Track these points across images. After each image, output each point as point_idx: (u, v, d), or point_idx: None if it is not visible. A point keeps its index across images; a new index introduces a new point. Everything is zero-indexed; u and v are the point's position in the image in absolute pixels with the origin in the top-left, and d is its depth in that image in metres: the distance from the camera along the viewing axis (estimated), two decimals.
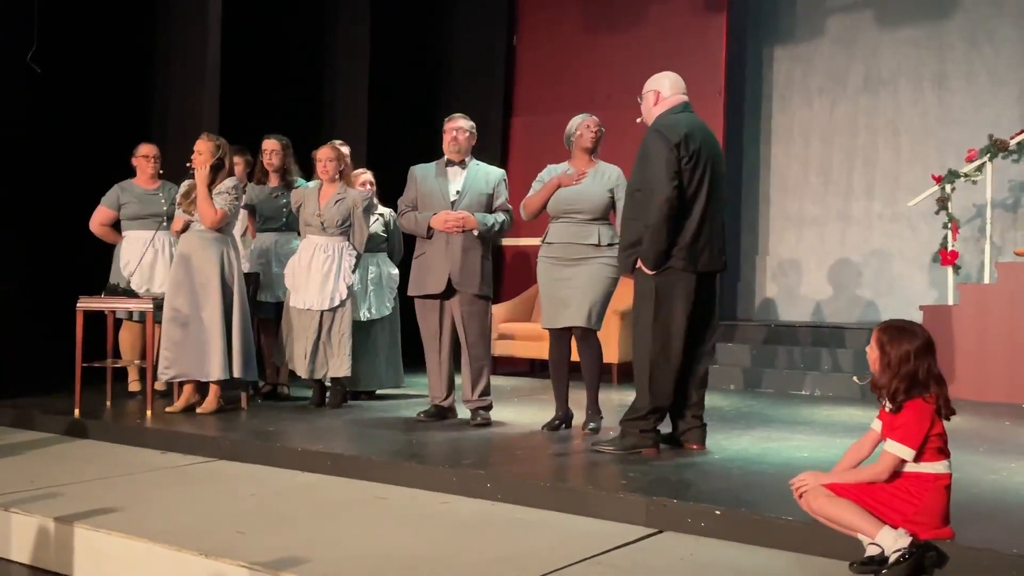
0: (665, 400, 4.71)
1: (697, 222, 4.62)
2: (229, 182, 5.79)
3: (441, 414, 5.71)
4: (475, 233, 5.60)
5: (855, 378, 7.17)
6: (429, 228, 5.58)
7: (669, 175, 4.53)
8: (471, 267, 5.58)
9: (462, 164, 5.71)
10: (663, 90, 4.83)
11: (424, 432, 5.35)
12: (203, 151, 5.75)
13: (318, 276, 6.01)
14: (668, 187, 4.53)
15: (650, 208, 4.57)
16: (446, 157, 5.72)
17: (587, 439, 5.13)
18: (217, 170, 5.77)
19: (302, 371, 6.10)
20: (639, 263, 4.67)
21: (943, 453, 3.24)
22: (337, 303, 6.04)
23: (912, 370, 3.19)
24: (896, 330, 3.27)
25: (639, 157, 4.72)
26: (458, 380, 5.80)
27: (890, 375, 3.22)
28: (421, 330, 5.73)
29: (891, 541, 3.09)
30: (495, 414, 5.72)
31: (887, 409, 3.29)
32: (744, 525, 3.54)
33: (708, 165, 4.66)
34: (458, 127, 5.70)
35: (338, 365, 6.06)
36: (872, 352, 3.31)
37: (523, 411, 5.91)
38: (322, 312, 6.02)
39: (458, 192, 5.64)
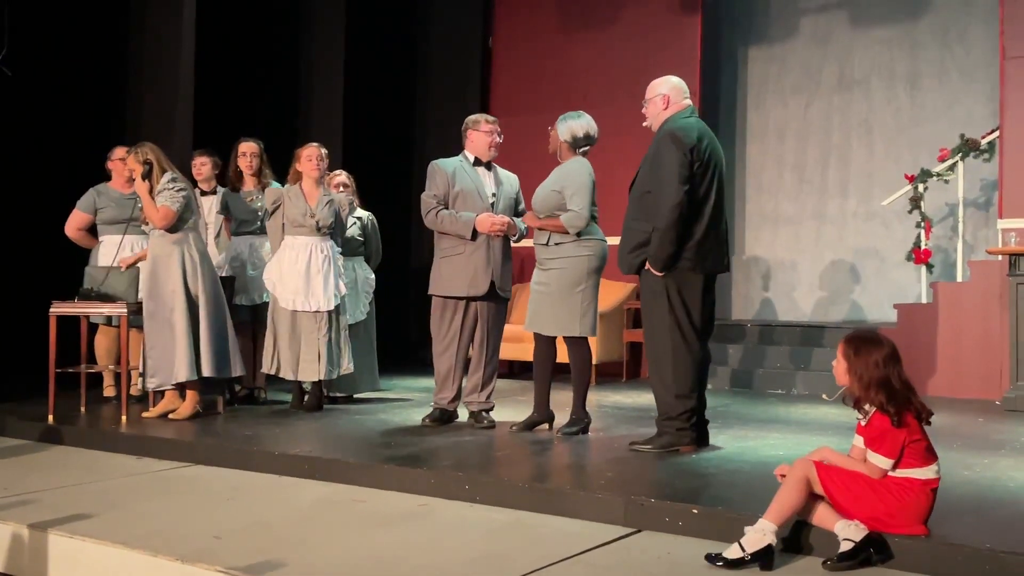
0: (691, 396, 4.77)
1: (706, 225, 4.73)
2: (165, 177, 5.71)
3: (446, 418, 5.66)
4: (513, 239, 5.66)
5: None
6: (475, 230, 5.50)
7: (681, 180, 4.63)
8: (508, 271, 5.66)
9: (487, 166, 5.69)
10: (672, 94, 4.89)
11: (400, 435, 5.34)
12: (132, 165, 5.79)
13: (319, 277, 6.00)
14: (679, 192, 4.62)
15: (660, 211, 4.64)
16: (473, 156, 5.64)
17: (571, 439, 5.16)
18: (149, 174, 5.73)
19: (313, 375, 6.03)
20: (647, 265, 4.74)
21: (931, 457, 3.29)
22: (339, 301, 6.07)
23: (883, 377, 3.24)
24: (861, 340, 3.33)
25: (650, 160, 4.78)
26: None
27: (863, 385, 3.26)
28: (436, 329, 5.62)
29: (842, 531, 3.19)
30: None
31: (861, 421, 3.34)
32: (721, 523, 3.55)
33: (716, 169, 4.79)
34: (499, 129, 5.67)
35: (346, 362, 6.13)
36: (839, 365, 3.35)
37: (502, 413, 5.90)
38: (329, 313, 6.03)
39: (494, 194, 5.62)
